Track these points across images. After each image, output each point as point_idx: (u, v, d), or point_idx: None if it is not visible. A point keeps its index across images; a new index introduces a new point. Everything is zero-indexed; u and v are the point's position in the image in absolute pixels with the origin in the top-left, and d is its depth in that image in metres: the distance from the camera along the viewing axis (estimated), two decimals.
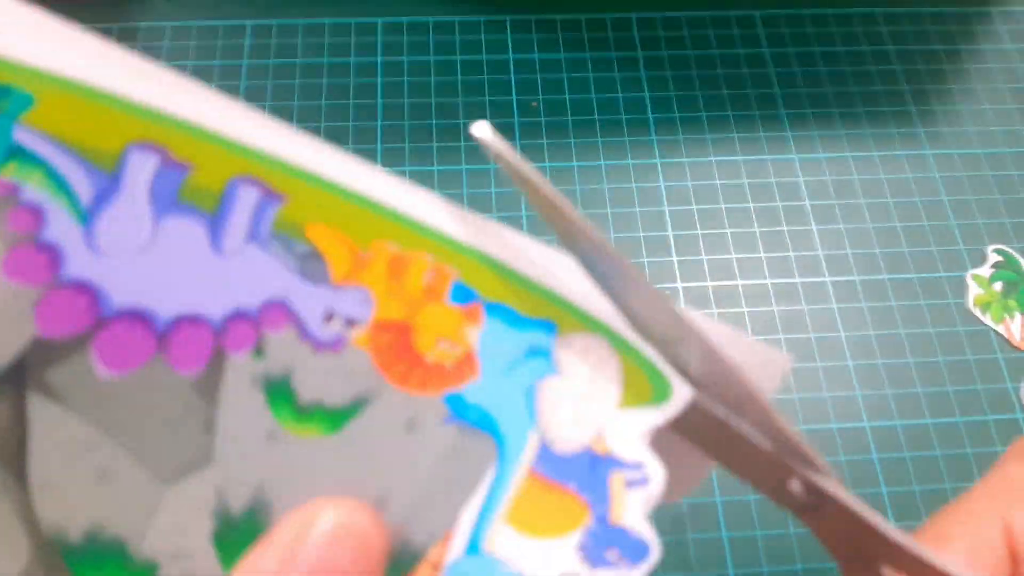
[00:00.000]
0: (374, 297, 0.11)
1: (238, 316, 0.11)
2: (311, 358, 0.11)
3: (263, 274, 0.11)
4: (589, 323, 0.12)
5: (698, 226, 0.29)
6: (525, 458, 0.11)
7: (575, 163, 0.30)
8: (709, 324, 0.12)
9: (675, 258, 0.28)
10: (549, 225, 0.12)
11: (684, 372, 0.12)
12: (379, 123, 0.30)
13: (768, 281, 0.28)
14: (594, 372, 0.12)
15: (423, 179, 0.29)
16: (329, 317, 0.11)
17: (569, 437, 0.11)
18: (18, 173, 0.10)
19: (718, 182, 0.30)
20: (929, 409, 0.26)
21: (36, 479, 0.10)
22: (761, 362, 0.12)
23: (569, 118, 0.31)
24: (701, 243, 0.29)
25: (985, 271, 0.29)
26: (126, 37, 0.31)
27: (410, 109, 0.30)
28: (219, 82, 0.31)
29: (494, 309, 0.12)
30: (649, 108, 0.31)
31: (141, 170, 0.11)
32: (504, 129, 0.30)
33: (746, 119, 0.31)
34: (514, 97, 0.31)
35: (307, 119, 0.30)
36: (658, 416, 0.11)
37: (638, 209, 0.29)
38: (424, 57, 0.32)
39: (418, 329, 0.11)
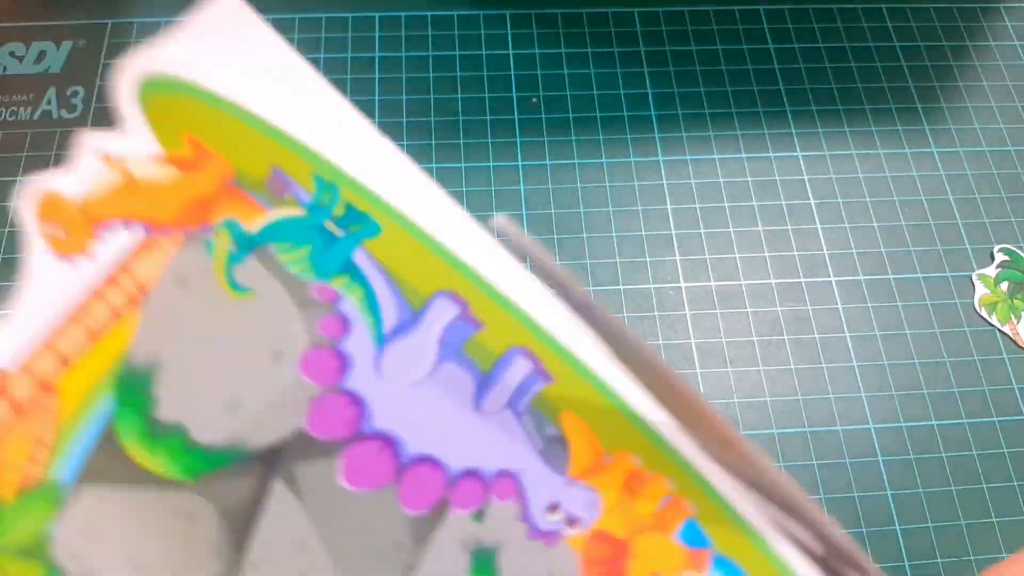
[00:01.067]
0: (602, 504, 0.11)
1: (473, 475, 0.11)
2: (523, 541, 0.11)
3: (509, 443, 0.11)
4: None
5: (701, 224, 0.29)
6: None
7: (576, 160, 0.30)
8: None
9: (678, 257, 0.28)
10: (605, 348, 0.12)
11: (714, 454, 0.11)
12: (376, 120, 0.30)
13: (772, 281, 0.28)
14: None
15: None
16: (554, 508, 0.11)
17: None
18: (345, 287, 0.12)
19: (721, 180, 0.30)
20: (935, 411, 0.26)
21: (252, 557, 0.11)
22: None
23: (570, 115, 0.30)
24: (704, 242, 0.28)
25: (991, 271, 0.28)
26: (121, 33, 0.31)
27: (408, 105, 0.30)
28: None
29: (723, 565, 0.11)
30: (652, 104, 0.31)
31: (441, 316, 0.12)
32: (504, 126, 0.30)
33: (750, 116, 0.31)
34: (514, 93, 0.31)
35: None
36: None
37: (640, 207, 0.29)
38: (423, 53, 0.31)
39: (636, 554, 0.11)
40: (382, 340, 0.11)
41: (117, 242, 0.12)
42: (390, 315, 0.11)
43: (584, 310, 0.11)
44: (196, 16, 0.12)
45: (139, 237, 0.12)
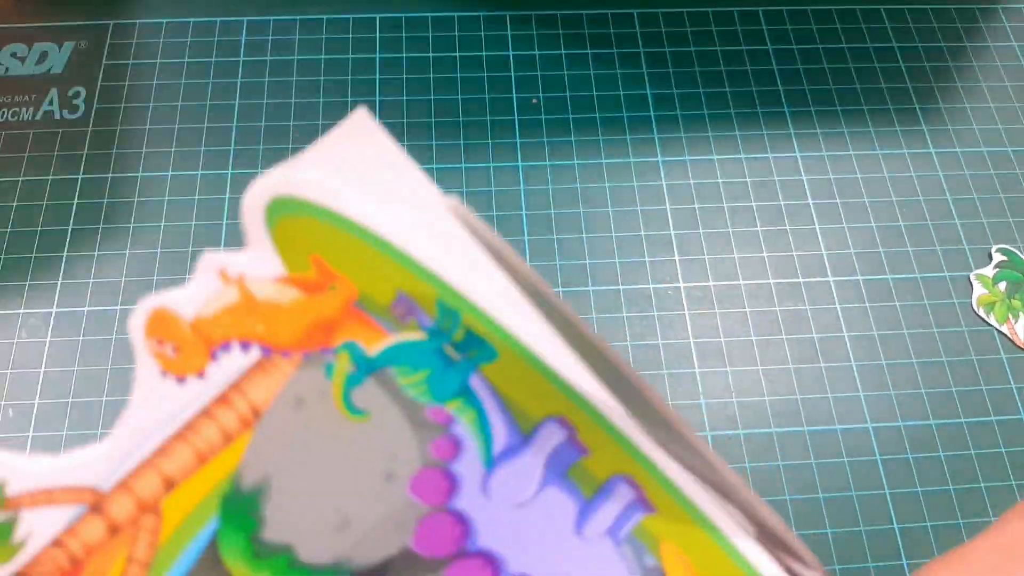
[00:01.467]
0: None
1: None
2: None
3: (607, 570, 0.12)
4: None
5: (700, 225, 0.29)
6: None
7: (575, 161, 0.30)
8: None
9: (677, 257, 0.28)
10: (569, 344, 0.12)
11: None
12: (377, 120, 0.30)
13: (771, 281, 0.28)
14: None
15: None
16: None
17: None
18: (459, 409, 0.12)
19: (720, 180, 0.30)
20: (933, 410, 0.26)
21: None
22: None
23: (570, 116, 0.30)
24: (703, 242, 0.28)
25: (989, 271, 0.28)
26: (122, 33, 0.31)
27: (408, 106, 0.30)
28: (215, 79, 0.30)
29: None
30: (651, 105, 0.31)
31: (549, 440, 0.12)
32: (504, 127, 0.30)
33: (749, 116, 0.31)
34: (514, 94, 0.31)
35: (304, 116, 0.30)
36: None
37: (639, 208, 0.29)
38: (423, 54, 0.31)
39: None
40: (491, 462, 0.12)
41: (232, 362, 0.12)
42: (500, 438, 0.12)
43: (525, 284, 0.12)
44: (329, 136, 0.12)
45: (255, 358, 0.12)
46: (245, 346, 0.12)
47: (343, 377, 0.12)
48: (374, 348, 0.12)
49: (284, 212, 0.12)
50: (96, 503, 0.11)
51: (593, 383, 0.12)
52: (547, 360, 0.12)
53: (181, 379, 0.12)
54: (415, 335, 0.12)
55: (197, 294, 0.12)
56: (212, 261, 0.12)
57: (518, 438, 0.12)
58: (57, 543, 0.11)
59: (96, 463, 0.11)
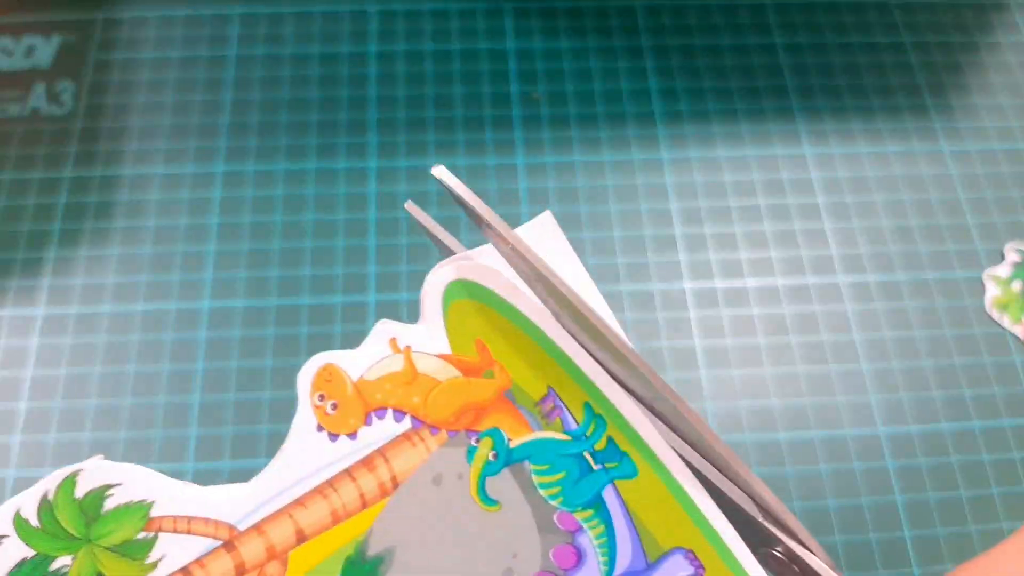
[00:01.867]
0: None
1: None
2: None
3: None
4: None
5: (706, 224, 0.28)
6: None
7: (577, 158, 0.29)
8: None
9: (682, 257, 0.27)
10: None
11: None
12: (373, 115, 0.29)
13: (779, 281, 0.27)
14: None
15: (419, 174, 0.28)
16: None
17: None
18: (588, 521, 0.12)
19: (727, 178, 0.29)
20: (945, 414, 0.25)
21: None
22: None
23: (571, 110, 0.30)
24: (709, 241, 0.28)
25: (1003, 271, 0.28)
26: (110, 28, 0.30)
27: (406, 101, 0.29)
28: (206, 74, 0.30)
29: None
30: (655, 100, 0.30)
31: (674, 572, 0.12)
32: (503, 122, 0.29)
33: (756, 112, 0.30)
34: (513, 88, 0.30)
35: (298, 112, 0.29)
36: None
37: (643, 206, 0.28)
38: (420, 46, 0.31)
39: None
40: None
41: (383, 428, 0.12)
42: (624, 559, 0.12)
43: (512, 256, 0.12)
44: (515, 231, 0.13)
45: (405, 427, 0.12)
46: (399, 415, 0.12)
47: (482, 462, 0.12)
48: (516, 440, 0.12)
49: (461, 295, 0.13)
50: (230, 541, 0.11)
51: (725, 521, 0.12)
52: (686, 488, 0.12)
53: (334, 436, 0.12)
54: (558, 435, 0.12)
55: (366, 356, 0.12)
56: (386, 329, 0.13)
57: (642, 563, 0.12)
58: (185, 571, 0.11)
59: (238, 502, 0.12)
